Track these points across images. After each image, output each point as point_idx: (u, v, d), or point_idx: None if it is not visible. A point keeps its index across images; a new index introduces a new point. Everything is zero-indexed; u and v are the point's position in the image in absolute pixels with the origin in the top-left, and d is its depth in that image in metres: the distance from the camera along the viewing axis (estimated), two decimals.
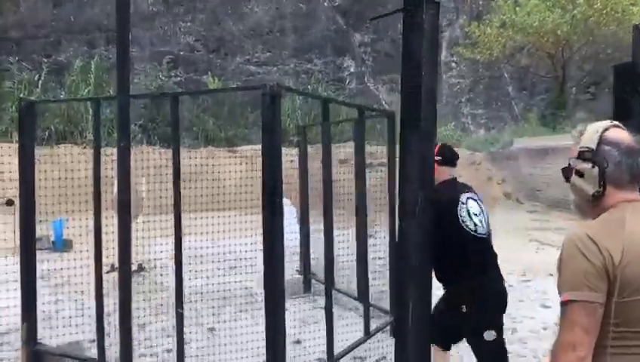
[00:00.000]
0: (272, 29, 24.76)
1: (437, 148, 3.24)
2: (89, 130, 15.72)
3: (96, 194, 4.09)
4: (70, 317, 5.16)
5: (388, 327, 4.96)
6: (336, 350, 4.08)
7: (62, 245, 9.70)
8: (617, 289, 1.62)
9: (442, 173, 3.31)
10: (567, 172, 1.87)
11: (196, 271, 7.28)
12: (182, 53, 23.55)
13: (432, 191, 3.15)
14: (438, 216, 2.80)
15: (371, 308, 5.02)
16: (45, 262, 7.25)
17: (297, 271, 7.13)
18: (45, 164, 7.67)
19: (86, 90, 15.78)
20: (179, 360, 3.70)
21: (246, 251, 5.34)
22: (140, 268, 8.06)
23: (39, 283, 4.51)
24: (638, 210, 1.74)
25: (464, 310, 3.11)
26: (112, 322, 5.06)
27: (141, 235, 5.20)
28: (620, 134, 1.80)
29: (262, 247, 3.26)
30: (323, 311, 5.83)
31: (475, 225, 3.20)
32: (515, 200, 16.86)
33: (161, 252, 6.43)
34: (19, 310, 4.30)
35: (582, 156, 1.81)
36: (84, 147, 14.44)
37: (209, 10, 24.32)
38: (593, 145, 1.79)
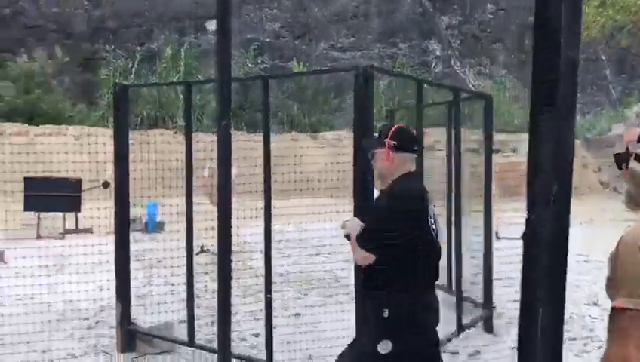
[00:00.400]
0: (356, 13, 24.52)
1: (392, 131, 2.70)
2: (179, 116, 16.20)
3: (188, 177, 4.12)
4: (161, 298, 5.29)
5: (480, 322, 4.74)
6: None
7: (154, 227, 10.01)
8: None
9: (400, 163, 2.65)
10: (623, 158, 1.62)
11: (282, 256, 7.29)
12: (268, 39, 23.78)
13: (395, 186, 2.64)
14: (405, 216, 2.51)
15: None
16: (138, 243, 7.50)
17: None
18: (139, 147, 7.93)
19: (176, 77, 16.22)
20: (267, 345, 3.66)
21: (330, 236, 5.26)
22: (202, 250, 8.16)
23: (133, 264, 4.62)
24: None
25: (385, 314, 2.60)
26: (202, 303, 5.15)
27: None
28: None
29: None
30: None
31: (435, 231, 2.68)
32: (612, 189, 15.92)
33: (250, 235, 6.49)
34: (114, 290, 4.42)
35: None
36: (175, 132, 14.89)
37: None
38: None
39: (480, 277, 4.99)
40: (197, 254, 8.06)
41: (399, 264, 2.54)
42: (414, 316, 2.57)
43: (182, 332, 4.38)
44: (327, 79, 19.48)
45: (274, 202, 5.15)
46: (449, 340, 4.12)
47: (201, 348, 4.03)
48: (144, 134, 13.90)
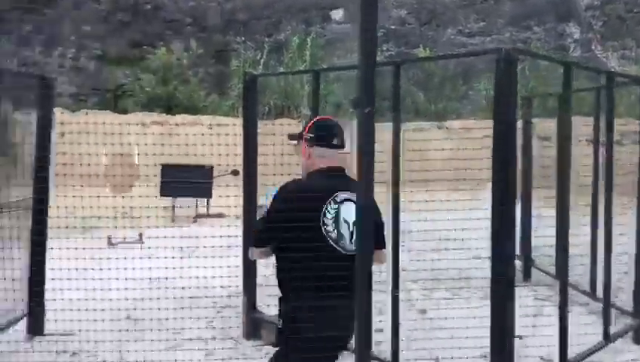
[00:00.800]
0: None
1: (310, 124, 2.54)
2: (304, 105, 16.42)
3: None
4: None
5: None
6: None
7: None
8: None
9: (316, 158, 2.47)
10: None
11: (406, 250, 7.04)
12: (393, 26, 23.44)
13: (295, 183, 2.46)
14: (297, 214, 2.30)
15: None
16: None
17: (517, 256, 6.57)
18: (265, 136, 8.06)
19: (302, 67, 16.42)
20: (393, 343, 3.51)
21: (456, 230, 4.98)
22: None
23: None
24: None
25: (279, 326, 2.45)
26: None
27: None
28: None
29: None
30: (545, 304, 5.24)
31: (339, 234, 2.39)
32: None
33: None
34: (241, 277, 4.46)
35: None
36: (300, 121, 15.10)
37: None
38: None
39: (627, 282, 4.51)
40: None
41: (287, 267, 2.40)
42: (299, 325, 2.37)
43: None
44: (455, 65, 18.84)
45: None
46: (593, 352, 3.73)
47: None
48: (269, 124, 14.28)
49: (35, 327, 4.45)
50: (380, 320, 4.57)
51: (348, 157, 2.62)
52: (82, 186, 4.55)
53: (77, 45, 21.12)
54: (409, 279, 6.20)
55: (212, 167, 9.78)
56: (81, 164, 5.02)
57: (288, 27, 22.38)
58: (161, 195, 9.73)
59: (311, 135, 2.50)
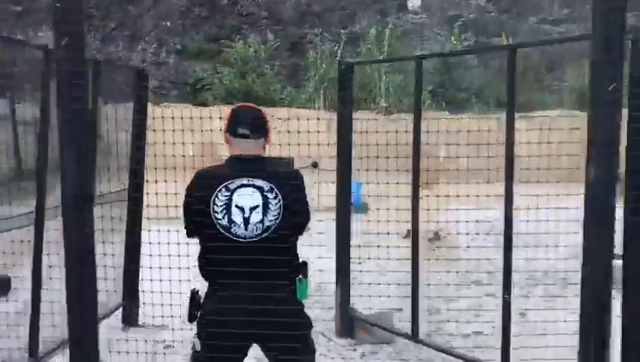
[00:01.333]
0: None
1: (228, 112, 2.61)
2: (381, 97, 16.17)
3: (415, 158, 3.83)
4: (374, 282, 5.11)
5: None
6: None
7: (359, 207, 10.03)
8: None
9: (230, 146, 2.55)
10: None
11: (494, 247, 6.72)
12: (472, 15, 22.75)
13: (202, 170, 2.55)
14: (195, 202, 2.41)
15: None
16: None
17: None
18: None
19: (380, 58, 16.16)
20: (503, 352, 3.27)
21: (548, 226, 4.66)
22: (437, 237, 7.87)
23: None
24: None
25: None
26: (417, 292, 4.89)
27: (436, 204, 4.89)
28: None
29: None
30: None
31: (231, 222, 2.42)
32: None
33: (456, 222, 6.07)
34: (328, 270, 4.30)
35: None
36: (377, 112, 14.88)
37: None
38: None
39: None
40: (404, 238, 7.85)
41: (200, 254, 2.52)
42: (206, 317, 2.47)
43: (399, 323, 4.16)
44: (540, 55, 18.05)
45: (478, 188, 4.71)
46: None
47: (426, 344, 3.76)
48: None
49: (130, 318, 4.48)
50: (478, 321, 4.33)
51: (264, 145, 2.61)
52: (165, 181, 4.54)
53: (158, 40, 21.68)
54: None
55: (292, 159, 9.72)
56: (173, 155, 5.02)
57: (363, 19, 22.13)
58: None
59: (226, 121, 2.60)
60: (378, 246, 4.53)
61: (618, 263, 6.30)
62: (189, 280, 2.97)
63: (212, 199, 2.45)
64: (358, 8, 22.95)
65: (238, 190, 2.45)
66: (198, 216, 2.47)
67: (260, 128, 2.57)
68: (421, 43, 20.81)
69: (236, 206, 2.44)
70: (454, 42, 17.84)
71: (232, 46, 18.43)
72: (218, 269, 2.43)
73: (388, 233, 4.55)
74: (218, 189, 2.45)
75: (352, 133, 4.30)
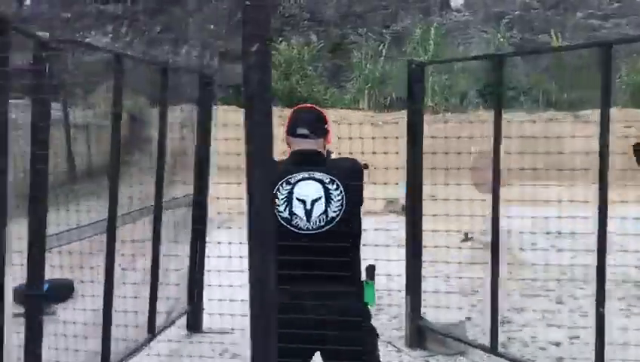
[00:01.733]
0: None
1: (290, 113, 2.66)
2: (428, 97, 15.92)
3: (496, 162, 3.67)
4: (436, 289, 4.94)
5: None
6: None
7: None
8: None
9: (290, 145, 2.59)
10: None
11: (555, 249, 6.50)
12: (516, 12, 22.28)
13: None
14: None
15: None
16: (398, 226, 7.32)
17: None
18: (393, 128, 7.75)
19: (425, 57, 15.93)
20: None
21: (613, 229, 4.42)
22: (466, 238, 7.61)
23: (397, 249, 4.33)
24: None
25: None
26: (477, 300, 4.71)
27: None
28: None
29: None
30: None
31: (292, 214, 2.41)
32: None
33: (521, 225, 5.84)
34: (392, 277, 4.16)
35: None
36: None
37: None
38: None
39: None
40: (461, 241, 7.66)
41: None
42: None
43: (472, 334, 4.00)
44: (590, 52, 17.50)
45: (530, 188, 4.50)
46: None
47: (506, 357, 3.59)
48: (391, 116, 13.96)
49: (194, 324, 4.44)
50: (553, 331, 4.13)
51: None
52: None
53: (202, 43, 21.89)
54: (569, 281, 5.67)
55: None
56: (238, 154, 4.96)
57: (406, 18, 21.89)
58: None
59: (286, 124, 2.60)
60: (434, 248, 4.36)
61: None
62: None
63: (274, 193, 2.43)
64: (401, 7, 22.73)
65: (298, 183, 2.46)
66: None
67: (319, 128, 2.58)
68: (465, 41, 20.48)
69: (297, 198, 2.45)
70: (501, 40, 17.45)
71: (276, 48, 18.46)
72: (280, 263, 2.38)
73: (447, 233, 4.38)
74: (279, 183, 2.46)
75: (422, 134, 4.17)
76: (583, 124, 14.71)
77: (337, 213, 2.43)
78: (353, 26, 21.64)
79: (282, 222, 2.42)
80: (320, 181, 2.45)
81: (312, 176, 2.46)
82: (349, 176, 2.49)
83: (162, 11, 21.08)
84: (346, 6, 23.29)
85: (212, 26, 21.79)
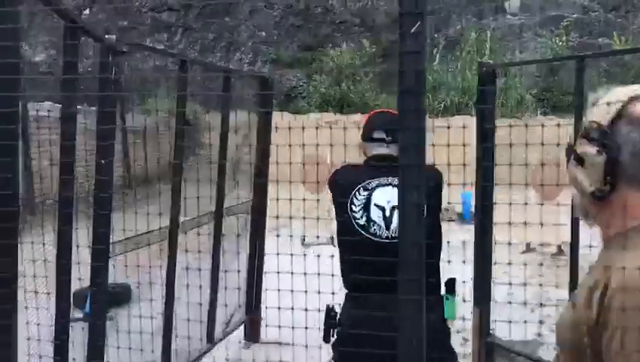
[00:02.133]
0: None
1: (366, 117, 2.60)
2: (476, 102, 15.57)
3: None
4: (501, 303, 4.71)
5: None
6: None
7: (470, 218, 9.60)
8: None
9: (365, 151, 2.52)
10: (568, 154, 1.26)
11: None
12: (575, 15, 21.62)
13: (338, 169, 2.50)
14: (335, 202, 2.37)
15: None
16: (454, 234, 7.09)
17: None
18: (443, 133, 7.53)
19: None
20: None
21: None
22: (560, 251, 7.34)
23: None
24: None
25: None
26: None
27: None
28: None
29: None
30: None
31: (370, 221, 2.30)
32: None
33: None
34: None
35: (588, 135, 1.19)
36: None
37: None
38: (605, 121, 1.17)
39: None
40: (522, 253, 7.36)
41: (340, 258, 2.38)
42: (344, 328, 2.32)
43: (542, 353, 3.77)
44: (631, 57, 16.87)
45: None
46: None
47: None
48: (445, 121, 13.70)
49: (252, 334, 4.35)
50: None
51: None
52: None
53: (253, 50, 22.07)
54: None
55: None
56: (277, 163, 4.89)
57: (458, 21, 21.54)
58: None
59: (361, 130, 2.54)
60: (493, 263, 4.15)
61: None
62: (319, 293, 2.78)
63: (349, 198, 2.36)
64: (454, 11, 22.38)
65: (376, 189, 2.36)
66: (338, 216, 2.41)
67: (395, 131, 2.44)
68: (521, 45, 20.00)
69: (375, 205, 2.35)
70: (560, 43, 16.95)
71: (327, 54, 18.45)
72: (355, 273, 2.30)
73: (510, 243, 4.16)
74: (356, 189, 2.37)
75: (494, 141, 3.97)
76: None
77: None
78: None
79: (359, 229, 2.33)
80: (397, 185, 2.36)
81: (390, 182, 2.35)
82: (428, 183, 2.37)
83: (214, 19, 21.37)
84: (397, 11, 23.14)
85: (263, 33, 21.97)
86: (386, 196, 2.34)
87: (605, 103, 1.21)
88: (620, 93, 1.21)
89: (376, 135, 2.46)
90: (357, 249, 2.29)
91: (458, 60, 16.32)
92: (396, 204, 2.31)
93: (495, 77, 4.02)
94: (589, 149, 1.18)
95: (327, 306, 2.43)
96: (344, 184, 2.40)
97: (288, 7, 22.36)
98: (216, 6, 20.99)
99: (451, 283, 2.39)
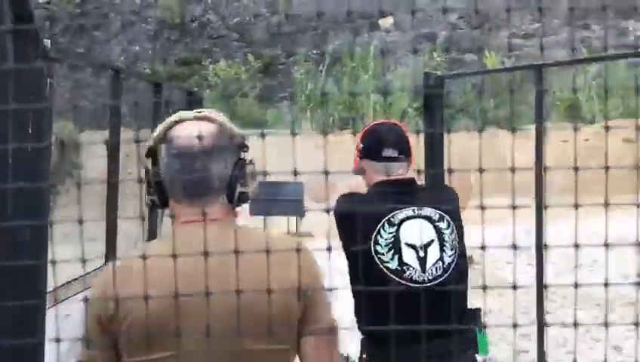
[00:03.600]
0: None
1: (365, 130, 2.24)
2: (369, 118, 15.85)
3: (539, 180, 3.38)
4: None
5: None
6: None
7: None
8: None
9: (370, 173, 2.14)
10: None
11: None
12: (443, 32, 22.87)
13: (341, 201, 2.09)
14: (347, 239, 1.98)
15: None
16: None
17: None
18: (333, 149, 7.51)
19: (366, 76, 15.94)
20: None
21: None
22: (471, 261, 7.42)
23: None
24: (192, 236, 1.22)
25: None
26: None
27: None
28: (198, 127, 1.34)
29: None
30: None
31: (404, 264, 2.01)
32: None
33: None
34: None
35: (148, 152, 1.41)
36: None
37: None
38: (153, 141, 1.41)
39: None
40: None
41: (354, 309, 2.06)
42: None
43: None
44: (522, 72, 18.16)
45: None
46: None
47: None
48: (337, 135, 13.76)
49: None
50: None
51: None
52: None
53: (127, 66, 20.97)
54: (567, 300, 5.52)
55: (301, 183, 9.22)
56: None
57: (336, 38, 21.93)
58: (251, 215, 9.20)
59: (362, 145, 2.16)
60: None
61: None
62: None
63: (373, 238, 2.00)
64: (331, 28, 22.77)
65: (404, 223, 2.02)
66: (355, 259, 2.01)
67: (407, 148, 2.16)
68: (397, 61, 20.74)
69: (406, 244, 2.00)
70: (437, 59, 17.78)
71: (207, 68, 17.99)
72: (391, 325, 1.94)
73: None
74: (380, 224, 1.99)
75: (443, 152, 3.83)
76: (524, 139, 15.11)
77: (453, 256, 2.04)
78: (283, 47, 21.43)
79: (391, 275, 2.01)
80: (429, 219, 2.04)
81: (418, 213, 2.05)
82: (453, 208, 2.12)
83: (84, 34, 20.08)
84: (275, 26, 23.09)
85: (137, 48, 20.98)
86: (416, 231, 2.02)
87: (162, 124, 1.39)
88: (173, 117, 1.40)
89: (388, 152, 2.13)
90: (389, 298, 1.93)
91: (344, 75, 16.56)
92: (430, 240, 2.02)
93: (443, 87, 3.90)
94: (147, 165, 1.39)
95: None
96: (361, 218, 2.04)
97: (162, 20, 21.59)
98: (86, 20, 19.76)
99: (476, 315, 2.12)
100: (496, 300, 5.41)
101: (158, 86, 3.29)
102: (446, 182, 2.82)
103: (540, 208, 3.38)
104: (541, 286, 3.39)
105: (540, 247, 3.39)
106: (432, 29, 22.77)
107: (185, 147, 1.35)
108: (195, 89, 4.39)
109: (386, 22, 23.00)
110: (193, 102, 3.87)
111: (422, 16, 23.20)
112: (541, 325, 3.41)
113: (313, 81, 16.26)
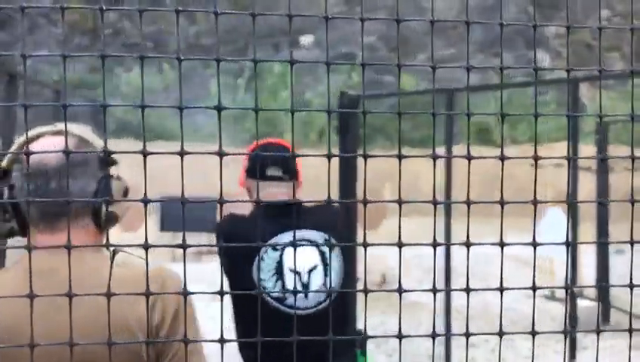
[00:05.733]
0: (455, 24, 23.73)
1: (251, 147, 2.19)
2: (288, 132, 15.75)
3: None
4: None
5: None
6: None
7: None
8: None
9: (252, 193, 2.09)
10: None
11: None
12: (360, 53, 23.28)
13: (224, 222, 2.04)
14: (228, 264, 1.90)
15: None
16: None
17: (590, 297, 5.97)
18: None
19: (285, 92, 15.83)
20: None
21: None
22: (384, 280, 7.34)
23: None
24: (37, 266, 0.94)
25: None
26: None
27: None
28: (53, 143, 1.21)
29: None
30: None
31: (286, 290, 2.01)
32: None
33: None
34: None
35: (2, 172, 1.29)
36: None
37: (390, 8, 23.82)
38: (7, 161, 1.27)
39: None
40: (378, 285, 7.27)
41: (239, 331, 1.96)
42: None
43: None
44: (437, 92, 18.72)
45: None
46: None
47: None
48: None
49: None
50: None
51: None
52: None
53: (33, 71, 19.85)
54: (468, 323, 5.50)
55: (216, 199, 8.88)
56: None
57: (257, 52, 21.78)
58: (162, 230, 8.75)
59: (247, 163, 2.07)
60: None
61: (592, 306, 6.09)
62: None
63: (254, 262, 1.88)
64: (250, 42, 22.59)
65: (287, 248, 1.92)
66: (236, 283, 1.88)
67: (292, 168, 2.03)
68: (316, 79, 20.83)
69: (289, 269, 1.92)
70: (356, 79, 17.97)
71: (122, 76, 17.29)
72: (269, 353, 1.77)
73: None
74: (262, 249, 1.89)
75: (356, 170, 3.67)
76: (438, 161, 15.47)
77: (338, 281, 1.94)
78: (200, 57, 21.07)
79: (273, 301, 1.87)
80: (313, 243, 1.92)
81: (302, 236, 1.93)
82: (340, 230, 1.99)
83: None
84: (193, 37, 22.64)
85: (46, 51, 19.92)
86: (300, 256, 1.91)
87: (16, 142, 1.25)
88: (30, 132, 1.22)
89: (272, 171, 2.00)
90: (270, 325, 1.75)
91: (265, 91, 16.39)
92: (314, 265, 1.89)
93: (358, 106, 3.73)
94: (2, 188, 1.23)
95: None
96: (243, 241, 1.85)
97: (74, 25, 20.65)
98: None
99: (360, 336, 2.02)
100: (405, 321, 5.32)
101: (58, 93, 2.94)
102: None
103: (449, 228, 3.54)
104: (449, 305, 3.44)
105: (449, 270, 3.51)
106: (351, 49, 23.15)
107: (38, 166, 1.19)
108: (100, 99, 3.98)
109: (306, 40, 23.11)
110: (98, 112, 3.51)
111: (341, 36, 23.56)
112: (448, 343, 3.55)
113: (231, 94, 15.95)
